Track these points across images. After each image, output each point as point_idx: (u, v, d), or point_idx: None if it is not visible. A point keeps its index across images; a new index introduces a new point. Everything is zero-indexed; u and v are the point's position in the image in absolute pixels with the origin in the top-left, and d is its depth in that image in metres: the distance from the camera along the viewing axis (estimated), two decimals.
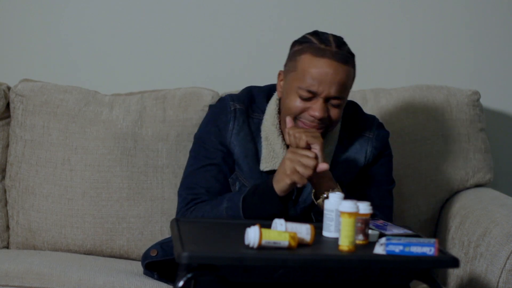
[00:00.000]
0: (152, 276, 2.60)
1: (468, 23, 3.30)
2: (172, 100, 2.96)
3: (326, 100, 2.41)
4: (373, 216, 2.32)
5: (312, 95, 2.41)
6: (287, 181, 2.34)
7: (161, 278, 2.59)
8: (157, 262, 2.59)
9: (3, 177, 2.94)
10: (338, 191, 2.37)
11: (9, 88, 2.98)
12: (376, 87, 3.10)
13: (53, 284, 2.53)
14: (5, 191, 2.93)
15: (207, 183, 2.50)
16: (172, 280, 2.57)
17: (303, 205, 2.51)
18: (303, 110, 2.42)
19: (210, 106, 2.62)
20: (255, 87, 2.61)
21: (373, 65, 3.26)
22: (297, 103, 2.42)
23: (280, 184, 2.36)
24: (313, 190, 2.42)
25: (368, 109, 2.96)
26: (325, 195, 2.38)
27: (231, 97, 2.56)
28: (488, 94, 3.25)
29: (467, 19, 3.30)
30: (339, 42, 2.45)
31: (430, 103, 3.04)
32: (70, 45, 3.20)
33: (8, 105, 2.96)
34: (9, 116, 2.97)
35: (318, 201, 2.40)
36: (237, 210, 2.39)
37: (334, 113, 2.43)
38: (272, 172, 2.46)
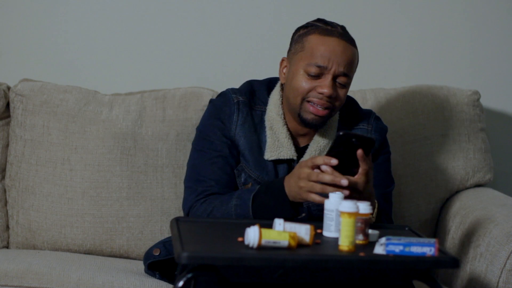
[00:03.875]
0: (154, 276, 2.60)
1: (468, 23, 3.30)
2: (172, 100, 2.96)
3: (334, 78, 2.44)
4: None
5: (321, 72, 2.43)
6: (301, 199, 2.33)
7: (163, 277, 2.58)
8: (158, 262, 2.59)
9: (3, 177, 2.94)
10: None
11: (9, 88, 2.98)
12: (376, 87, 3.10)
13: (53, 284, 2.53)
14: (5, 190, 2.93)
15: (216, 175, 2.51)
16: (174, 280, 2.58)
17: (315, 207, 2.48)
18: (311, 89, 2.45)
19: (211, 100, 2.63)
20: (255, 80, 2.64)
21: (373, 65, 3.26)
22: (304, 83, 2.45)
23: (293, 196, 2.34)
24: None
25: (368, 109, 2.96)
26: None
27: (232, 90, 2.59)
28: (488, 94, 3.25)
29: (467, 19, 3.30)
30: (343, 28, 2.51)
31: (430, 103, 3.04)
32: (70, 45, 3.20)
33: (8, 105, 2.96)
34: (9, 116, 2.96)
35: None
36: (247, 209, 2.39)
37: (341, 93, 2.46)
38: (276, 162, 2.49)
